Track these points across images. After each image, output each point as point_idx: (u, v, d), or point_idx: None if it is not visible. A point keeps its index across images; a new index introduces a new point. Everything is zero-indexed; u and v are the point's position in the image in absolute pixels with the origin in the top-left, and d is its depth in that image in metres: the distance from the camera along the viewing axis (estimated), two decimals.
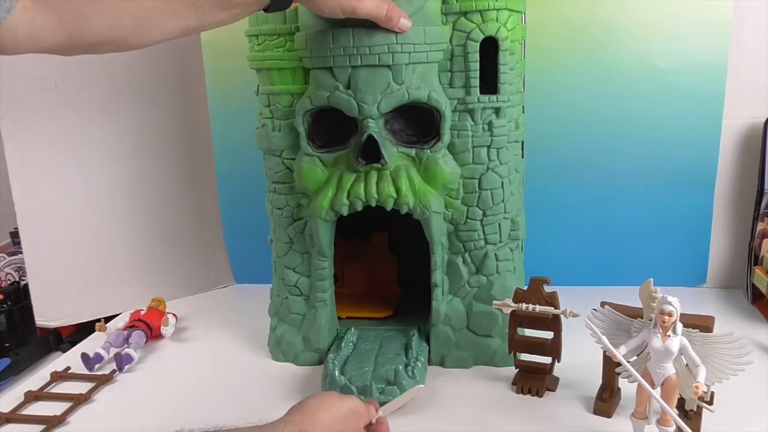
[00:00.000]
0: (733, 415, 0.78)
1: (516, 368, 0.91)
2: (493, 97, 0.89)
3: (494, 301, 0.89)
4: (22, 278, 1.27)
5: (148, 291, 1.24)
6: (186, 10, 0.73)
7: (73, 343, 1.16)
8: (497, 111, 0.90)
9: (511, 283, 0.94)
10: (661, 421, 0.71)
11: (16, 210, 1.19)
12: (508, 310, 0.87)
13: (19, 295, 1.21)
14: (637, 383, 0.71)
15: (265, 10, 0.79)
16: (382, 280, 1.16)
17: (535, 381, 0.88)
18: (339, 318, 1.04)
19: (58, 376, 1.00)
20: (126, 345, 1.06)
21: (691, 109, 1.13)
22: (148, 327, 1.11)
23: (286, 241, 1.00)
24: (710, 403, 0.76)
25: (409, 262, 1.12)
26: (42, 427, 0.86)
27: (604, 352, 0.80)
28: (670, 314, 0.69)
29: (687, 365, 0.72)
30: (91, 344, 1.12)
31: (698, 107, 1.13)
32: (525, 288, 0.88)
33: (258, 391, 0.94)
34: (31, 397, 0.94)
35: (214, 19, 0.76)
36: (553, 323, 0.86)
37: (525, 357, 0.91)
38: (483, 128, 0.90)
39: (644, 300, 0.76)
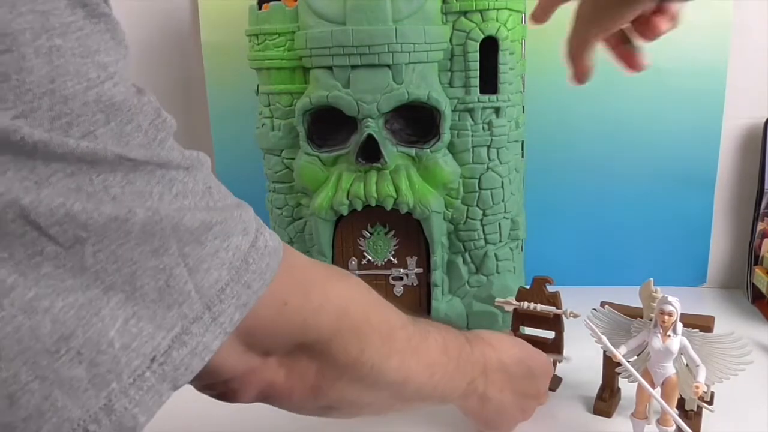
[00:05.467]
0: (733, 415, 0.78)
1: None
2: (493, 97, 0.89)
3: (497, 299, 0.89)
4: None
5: None
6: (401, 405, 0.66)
7: None
8: (497, 111, 0.90)
9: (511, 283, 0.94)
10: (661, 421, 0.71)
11: None
12: (509, 308, 0.87)
13: None
14: (637, 383, 0.71)
15: None
16: None
17: None
18: None
19: None
20: None
21: (691, 109, 1.13)
22: None
23: (286, 241, 1.00)
24: (710, 403, 0.76)
25: None
26: None
27: (604, 351, 0.80)
28: (670, 314, 0.69)
29: (687, 365, 0.72)
30: None
31: (698, 107, 1.13)
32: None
33: None
34: None
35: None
36: (554, 323, 0.86)
37: None
38: (483, 128, 0.90)
39: (644, 300, 0.76)
